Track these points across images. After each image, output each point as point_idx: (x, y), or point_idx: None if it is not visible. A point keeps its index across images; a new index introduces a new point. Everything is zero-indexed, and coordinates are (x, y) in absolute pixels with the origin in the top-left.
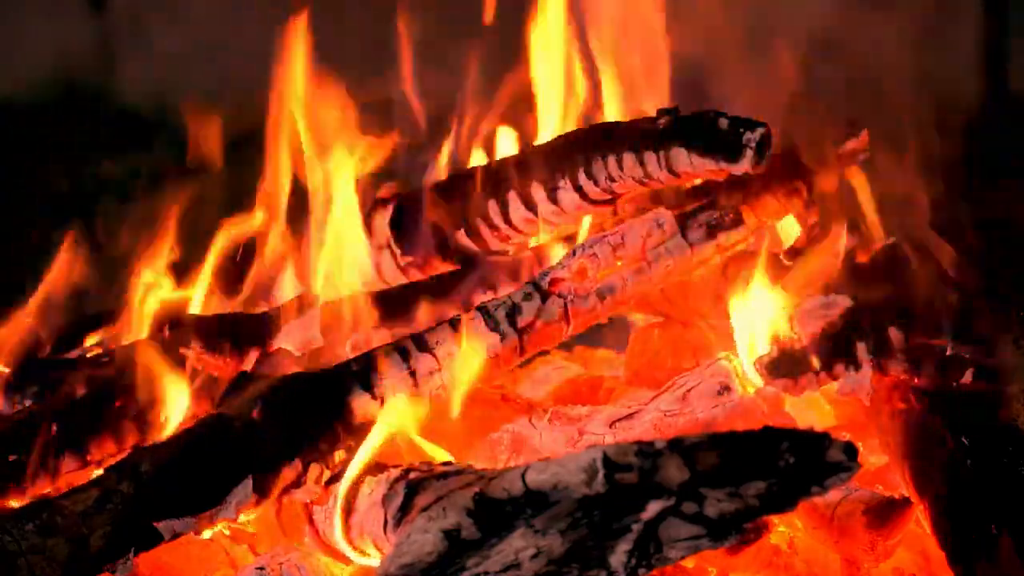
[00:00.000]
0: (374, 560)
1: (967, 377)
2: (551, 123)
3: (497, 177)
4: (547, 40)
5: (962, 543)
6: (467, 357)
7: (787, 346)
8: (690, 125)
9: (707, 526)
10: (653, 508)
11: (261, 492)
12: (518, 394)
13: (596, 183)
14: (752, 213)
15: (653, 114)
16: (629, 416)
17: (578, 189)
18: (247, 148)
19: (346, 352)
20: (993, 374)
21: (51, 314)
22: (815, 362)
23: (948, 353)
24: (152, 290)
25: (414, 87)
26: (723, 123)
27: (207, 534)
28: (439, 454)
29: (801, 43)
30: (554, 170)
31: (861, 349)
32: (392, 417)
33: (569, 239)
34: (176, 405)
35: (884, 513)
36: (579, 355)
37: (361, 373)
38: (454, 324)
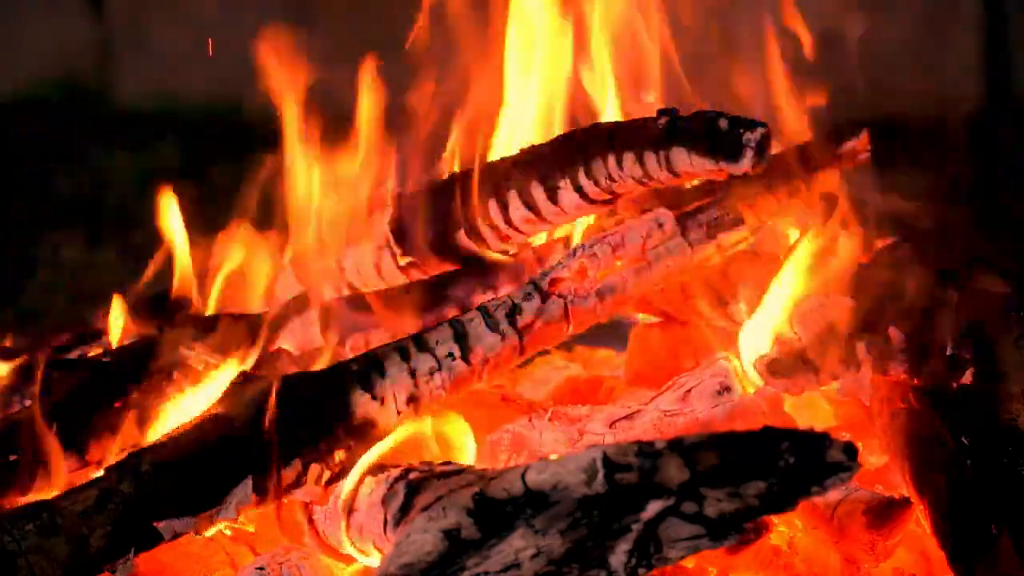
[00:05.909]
0: (374, 560)
1: (967, 377)
2: (548, 124)
3: (497, 177)
4: (545, 40)
5: (962, 543)
6: None
7: (787, 346)
8: (690, 125)
9: (707, 526)
10: (653, 508)
11: (261, 492)
12: (518, 394)
13: (596, 183)
14: (752, 213)
15: (653, 114)
16: (629, 416)
17: (578, 189)
18: (246, 148)
19: (346, 352)
20: (993, 374)
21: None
22: (815, 362)
23: (948, 353)
24: (153, 290)
25: (415, 87)
26: (723, 123)
27: (208, 533)
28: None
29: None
30: (554, 170)
31: (861, 349)
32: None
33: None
34: (176, 405)
35: (884, 513)
36: (579, 355)
37: (361, 373)
38: (454, 324)
